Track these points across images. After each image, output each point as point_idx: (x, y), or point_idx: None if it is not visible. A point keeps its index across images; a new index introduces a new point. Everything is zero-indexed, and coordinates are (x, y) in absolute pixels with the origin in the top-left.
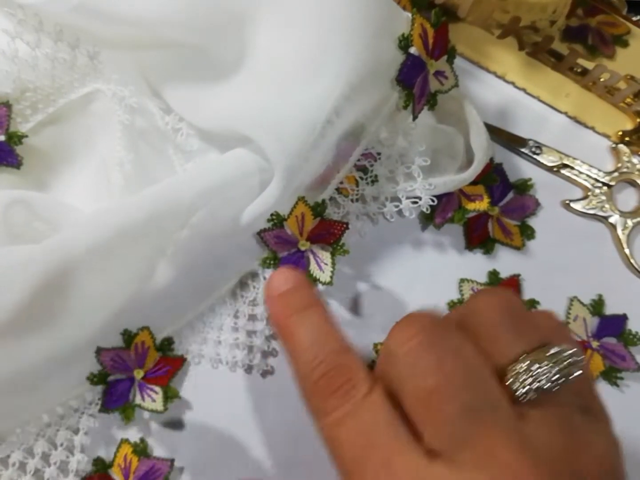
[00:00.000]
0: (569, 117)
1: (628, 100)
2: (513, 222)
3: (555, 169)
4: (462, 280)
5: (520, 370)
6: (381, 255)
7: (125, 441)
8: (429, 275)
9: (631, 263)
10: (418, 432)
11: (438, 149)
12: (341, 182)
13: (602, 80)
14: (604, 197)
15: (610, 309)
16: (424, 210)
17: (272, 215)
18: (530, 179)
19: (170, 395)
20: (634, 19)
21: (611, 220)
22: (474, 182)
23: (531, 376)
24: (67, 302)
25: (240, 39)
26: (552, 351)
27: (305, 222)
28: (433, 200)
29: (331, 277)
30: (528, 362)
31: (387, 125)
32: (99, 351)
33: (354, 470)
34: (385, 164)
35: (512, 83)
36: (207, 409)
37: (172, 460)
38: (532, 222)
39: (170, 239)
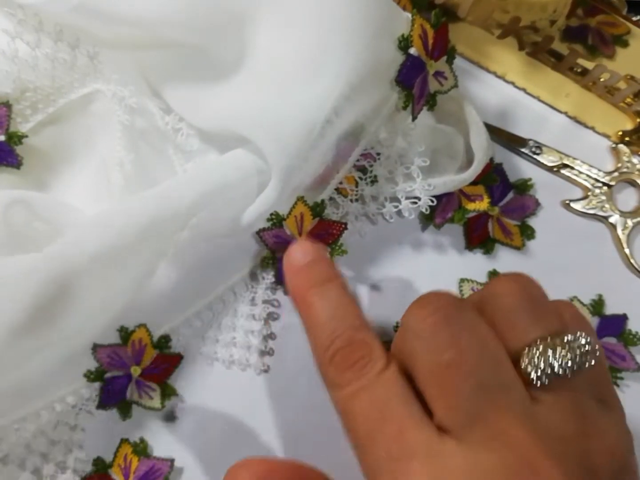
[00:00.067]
0: (569, 117)
1: (628, 100)
2: (513, 222)
3: (555, 169)
4: (462, 280)
5: (535, 355)
6: (381, 256)
7: (125, 441)
8: (429, 275)
9: (631, 263)
10: (430, 410)
11: (438, 149)
12: (340, 182)
13: (602, 80)
14: (604, 197)
15: (610, 309)
16: (424, 210)
17: (271, 215)
18: (530, 179)
19: (167, 393)
20: (634, 19)
21: (611, 220)
22: (474, 182)
23: (545, 361)
24: (68, 308)
25: (240, 39)
26: (568, 338)
27: (304, 222)
28: (432, 201)
29: None
30: (542, 346)
31: (386, 125)
32: (96, 348)
33: (366, 442)
34: (384, 164)
35: (512, 83)
36: (207, 409)
37: (172, 460)
38: (532, 222)
39: (171, 241)
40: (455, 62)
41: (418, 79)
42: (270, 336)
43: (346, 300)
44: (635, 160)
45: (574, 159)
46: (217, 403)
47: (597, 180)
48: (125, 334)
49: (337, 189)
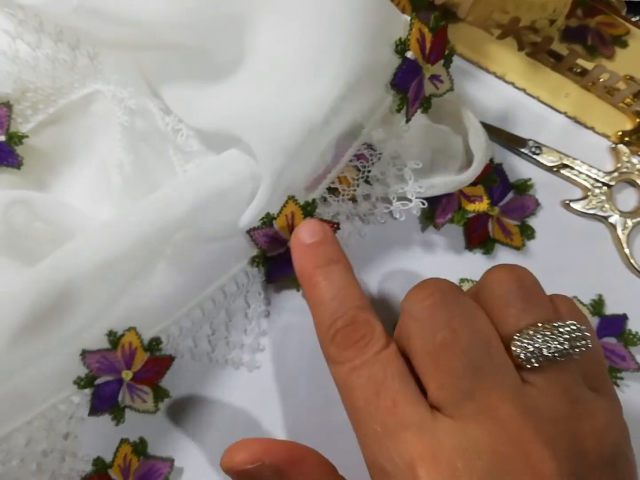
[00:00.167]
0: (569, 117)
1: (627, 100)
2: (513, 222)
3: (555, 169)
4: (462, 280)
5: (525, 338)
6: (381, 256)
7: (125, 441)
8: (429, 275)
9: (631, 263)
10: (424, 389)
11: (438, 148)
12: (333, 182)
13: (601, 80)
14: (603, 197)
15: (610, 309)
16: (415, 212)
17: (263, 218)
18: (530, 179)
19: (160, 395)
20: (633, 19)
21: (611, 220)
22: (474, 183)
23: (534, 344)
24: (67, 316)
25: (239, 39)
26: (559, 324)
27: (295, 221)
28: (423, 203)
29: None
30: (533, 331)
31: (380, 127)
32: (85, 354)
33: (362, 416)
34: (377, 165)
35: (512, 83)
36: (207, 409)
37: (172, 460)
38: (532, 222)
39: (169, 243)
40: (454, 62)
41: (413, 83)
42: (263, 334)
43: (350, 282)
44: (634, 160)
45: (574, 159)
46: (218, 403)
47: (597, 180)
48: (114, 338)
49: (329, 188)
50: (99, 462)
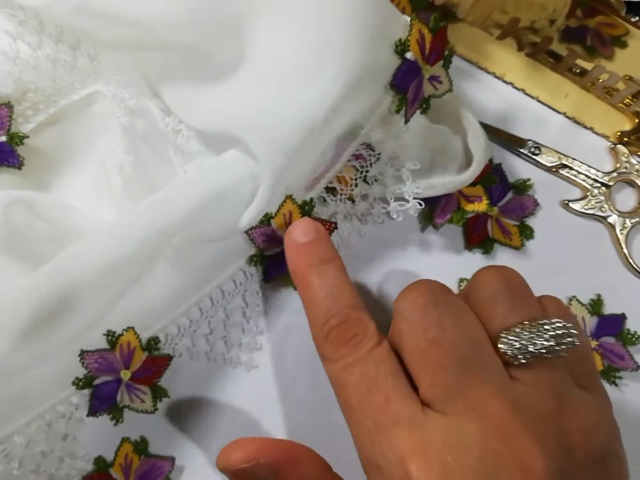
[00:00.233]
0: (568, 117)
1: (627, 100)
2: (512, 222)
3: (554, 169)
4: (461, 280)
5: (512, 335)
6: (380, 256)
7: (126, 440)
8: (428, 275)
9: (630, 263)
10: (415, 386)
11: (437, 149)
12: (331, 182)
13: (600, 81)
14: (602, 197)
15: (609, 309)
16: (412, 213)
17: (262, 219)
18: (529, 179)
19: (159, 394)
20: (633, 20)
21: (610, 220)
22: (473, 184)
23: (521, 341)
24: (68, 319)
25: (240, 39)
26: (545, 322)
27: (292, 220)
28: (420, 204)
29: None
30: (519, 329)
31: (379, 127)
32: (83, 354)
33: (355, 412)
34: (375, 165)
35: (511, 84)
36: (207, 408)
37: (173, 459)
38: (531, 222)
39: (168, 244)
40: (454, 62)
41: (413, 83)
42: (261, 333)
43: (343, 281)
44: (633, 160)
45: (573, 159)
46: (218, 402)
47: (596, 181)
48: (112, 338)
49: (327, 188)
50: (100, 461)
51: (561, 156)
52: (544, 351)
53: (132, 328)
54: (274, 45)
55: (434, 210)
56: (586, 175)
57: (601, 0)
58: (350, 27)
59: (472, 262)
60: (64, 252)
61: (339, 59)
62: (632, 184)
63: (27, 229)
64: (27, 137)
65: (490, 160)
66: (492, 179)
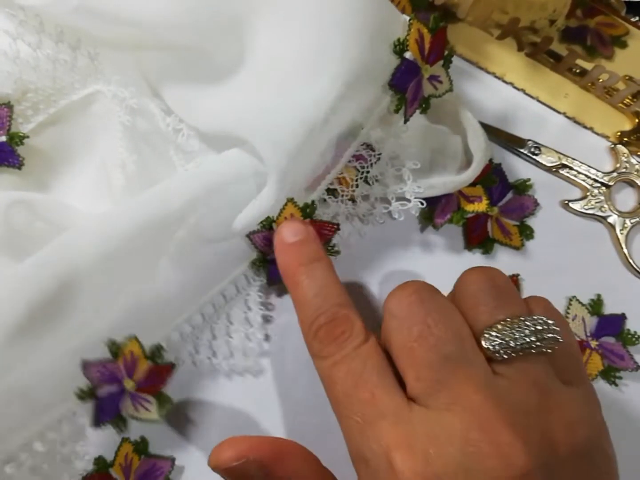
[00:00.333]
0: (568, 117)
1: (627, 100)
2: (512, 222)
3: (554, 169)
4: None
5: (494, 332)
6: (380, 256)
7: (126, 440)
8: (428, 275)
9: (630, 263)
10: (403, 382)
11: (437, 149)
12: (332, 183)
13: (600, 81)
14: (602, 197)
15: (609, 309)
16: (413, 212)
17: (262, 222)
18: (529, 179)
19: (164, 403)
20: (633, 20)
21: (610, 220)
22: (473, 184)
23: (503, 337)
24: (66, 310)
25: (240, 39)
26: (527, 318)
27: None
28: (422, 203)
29: None
30: (501, 325)
31: (379, 127)
32: (85, 365)
33: (343, 407)
34: (376, 165)
35: (511, 84)
36: (207, 409)
37: (173, 459)
38: (531, 222)
39: (171, 239)
40: (454, 62)
41: (412, 83)
42: (266, 339)
43: (332, 279)
44: (633, 160)
45: (573, 159)
46: (218, 403)
47: (596, 181)
48: (115, 347)
49: (328, 189)
50: (100, 461)
51: (561, 156)
52: (525, 347)
53: (135, 337)
54: (274, 45)
55: (434, 210)
56: (586, 175)
57: (601, 0)
58: (349, 26)
59: (472, 262)
60: (56, 240)
61: (339, 59)
62: (632, 184)
63: (27, 229)
64: (27, 137)
65: (490, 160)
66: (492, 179)
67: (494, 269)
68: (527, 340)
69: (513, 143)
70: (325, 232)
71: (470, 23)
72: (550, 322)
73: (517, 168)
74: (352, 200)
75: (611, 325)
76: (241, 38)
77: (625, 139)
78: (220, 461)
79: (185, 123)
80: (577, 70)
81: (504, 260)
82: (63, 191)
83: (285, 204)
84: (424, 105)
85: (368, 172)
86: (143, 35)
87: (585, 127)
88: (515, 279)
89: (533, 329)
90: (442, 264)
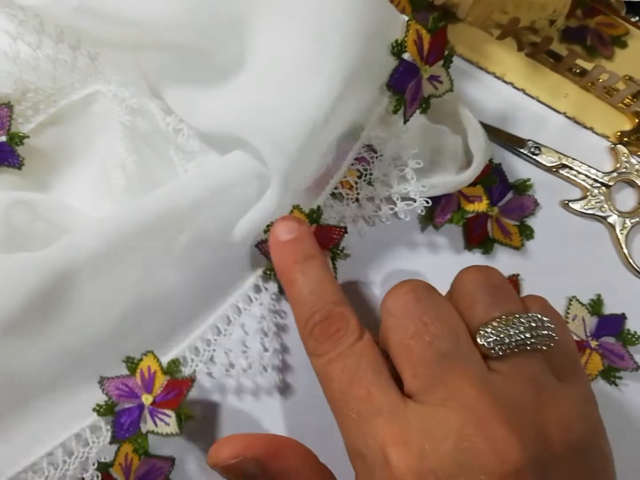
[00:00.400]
0: (568, 117)
1: (627, 100)
2: (512, 222)
3: (554, 169)
4: None
5: (490, 328)
6: (381, 256)
7: (126, 440)
8: (428, 275)
9: (630, 263)
10: (400, 379)
11: (437, 149)
12: (336, 188)
13: (600, 81)
14: (602, 197)
15: (609, 309)
16: (419, 212)
17: (268, 226)
18: (529, 179)
19: (184, 417)
20: (633, 20)
21: (610, 220)
22: (473, 183)
23: (498, 333)
24: (66, 307)
25: (240, 39)
26: (520, 315)
27: None
28: (428, 202)
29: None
30: (497, 322)
31: (379, 127)
32: (103, 381)
33: (339, 404)
34: (378, 166)
35: (511, 84)
36: (207, 409)
37: (173, 459)
38: (531, 222)
39: (174, 242)
40: (454, 62)
41: (411, 84)
42: (284, 350)
43: (326, 277)
44: (633, 160)
45: (573, 159)
46: (218, 403)
47: (596, 181)
48: (132, 364)
49: (332, 194)
50: (99, 462)
51: (561, 156)
52: (520, 343)
53: (152, 352)
54: (274, 45)
55: (434, 210)
56: (586, 175)
57: (601, 0)
58: (348, 26)
59: (472, 262)
60: (60, 241)
61: (337, 59)
62: (632, 184)
63: (27, 229)
64: (27, 137)
65: (490, 160)
66: (492, 179)
67: (490, 267)
68: (522, 336)
69: (513, 143)
70: (333, 236)
71: (470, 23)
72: (545, 319)
73: (517, 168)
74: (357, 201)
75: (611, 325)
76: (241, 38)
77: (625, 139)
78: (218, 459)
79: (186, 123)
80: (577, 70)
81: (504, 260)
82: (63, 191)
83: (291, 211)
84: (424, 105)
85: (371, 173)
86: (143, 35)
87: (586, 127)
88: (515, 279)
89: (528, 325)
90: (442, 263)
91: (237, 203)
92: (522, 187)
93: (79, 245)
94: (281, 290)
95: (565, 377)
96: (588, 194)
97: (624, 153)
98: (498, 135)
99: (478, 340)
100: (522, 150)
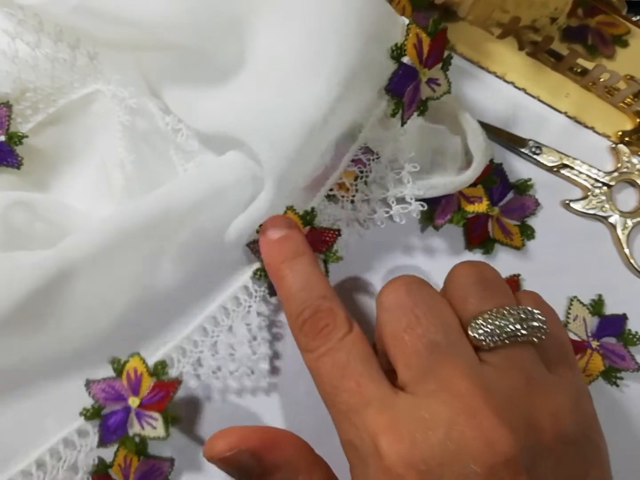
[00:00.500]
0: (569, 117)
1: (628, 100)
2: (513, 222)
3: (555, 169)
4: None
5: (481, 321)
6: (380, 256)
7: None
8: (428, 275)
9: (631, 263)
10: (394, 372)
11: (437, 150)
12: (331, 190)
13: (601, 80)
14: (603, 197)
15: (610, 309)
16: (414, 215)
17: (260, 225)
18: (530, 179)
19: (170, 420)
20: (634, 19)
21: (611, 220)
22: (474, 184)
23: (489, 325)
24: (64, 305)
25: (239, 39)
26: (510, 307)
27: None
28: (423, 206)
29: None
30: (488, 314)
31: (377, 129)
32: (89, 384)
33: (331, 398)
34: (375, 169)
35: (512, 83)
36: (206, 409)
37: (173, 460)
38: (532, 222)
39: (172, 241)
40: (455, 62)
41: (409, 87)
42: (275, 355)
43: (315, 273)
44: (635, 160)
45: (574, 159)
46: (217, 403)
47: (597, 180)
48: (118, 365)
49: (328, 196)
50: (99, 462)
51: (562, 156)
52: (511, 335)
53: (138, 353)
54: (274, 45)
55: (434, 210)
56: (587, 175)
57: (602, 0)
58: (348, 27)
59: None
60: (62, 242)
61: (336, 59)
62: (633, 183)
63: (26, 229)
64: (26, 136)
65: (491, 160)
66: (493, 179)
67: (483, 262)
68: (512, 328)
69: (514, 143)
70: (326, 239)
71: (471, 22)
72: (535, 311)
73: (518, 168)
74: (352, 202)
75: (612, 325)
76: (241, 38)
77: (627, 139)
78: (214, 452)
79: (185, 123)
80: (578, 70)
81: (505, 260)
82: (63, 191)
83: (285, 212)
84: (421, 108)
85: (367, 175)
86: (142, 36)
87: (587, 127)
88: (516, 279)
89: (518, 317)
90: (443, 264)
91: (233, 204)
92: (523, 187)
93: (78, 246)
94: (270, 292)
95: (557, 369)
96: (589, 193)
97: (625, 153)
98: (499, 135)
99: (469, 332)
100: (523, 150)
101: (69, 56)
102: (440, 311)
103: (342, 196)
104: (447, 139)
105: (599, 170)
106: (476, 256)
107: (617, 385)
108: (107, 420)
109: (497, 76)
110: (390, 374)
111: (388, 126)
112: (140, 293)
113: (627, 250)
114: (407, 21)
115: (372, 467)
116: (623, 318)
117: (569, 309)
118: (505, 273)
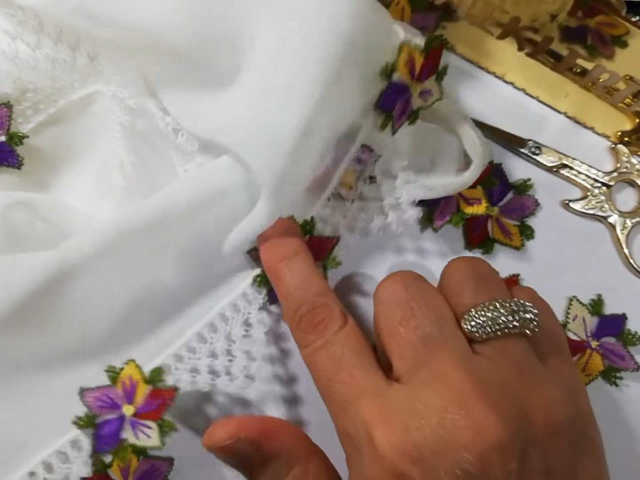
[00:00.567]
0: (568, 117)
1: (627, 100)
2: (512, 222)
3: (554, 169)
4: None
5: (474, 313)
6: (380, 257)
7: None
8: (428, 276)
9: (630, 263)
10: (390, 365)
11: (437, 151)
12: (328, 199)
13: (601, 80)
14: (603, 197)
15: (609, 309)
16: (411, 222)
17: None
18: (529, 179)
19: (165, 429)
20: (633, 19)
21: (610, 220)
22: (473, 185)
23: (482, 317)
24: (63, 307)
25: (239, 43)
26: (503, 300)
27: None
28: (419, 213)
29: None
30: (481, 306)
31: (375, 130)
32: (82, 392)
33: (327, 390)
34: (376, 168)
35: (512, 83)
36: (206, 409)
37: (172, 460)
38: (532, 222)
39: (172, 243)
40: (454, 62)
41: (400, 101)
42: (274, 360)
43: (311, 271)
44: (634, 160)
45: (573, 159)
46: (217, 403)
47: (597, 181)
48: (113, 373)
49: (326, 203)
50: (98, 462)
51: (562, 156)
52: (503, 327)
53: (133, 361)
54: (271, 49)
55: (433, 212)
56: (587, 175)
57: (601, 0)
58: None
59: None
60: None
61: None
62: (632, 183)
63: (26, 229)
64: (27, 137)
65: (491, 161)
66: (493, 181)
67: (477, 258)
68: (504, 320)
69: (513, 143)
70: (325, 247)
71: (471, 22)
72: (527, 304)
73: (518, 168)
74: (352, 202)
75: (612, 325)
76: (240, 42)
77: (626, 139)
78: (213, 441)
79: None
80: (578, 70)
81: (504, 261)
82: (63, 191)
83: None
84: (412, 118)
85: (369, 175)
86: (142, 38)
87: (586, 127)
88: (515, 279)
89: (510, 309)
90: (442, 264)
91: (234, 205)
92: (523, 187)
93: (78, 247)
94: (270, 299)
95: (550, 362)
96: (588, 193)
97: (625, 153)
98: (498, 135)
99: (462, 324)
100: (522, 150)
101: (69, 57)
102: (435, 305)
103: (342, 204)
104: (447, 141)
105: (598, 170)
106: (476, 256)
107: (617, 385)
108: (101, 430)
109: (496, 76)
110: (388, 370)
111: (383, 134)
112: (140, 295)
113: (626, 250)
114: (401, 32)
115: (366, 456)
116: (622, 318)
117: (569, 308)
118: (504, 273)
